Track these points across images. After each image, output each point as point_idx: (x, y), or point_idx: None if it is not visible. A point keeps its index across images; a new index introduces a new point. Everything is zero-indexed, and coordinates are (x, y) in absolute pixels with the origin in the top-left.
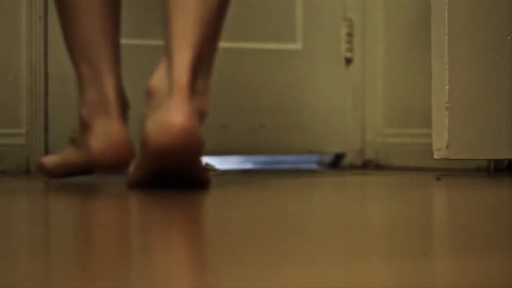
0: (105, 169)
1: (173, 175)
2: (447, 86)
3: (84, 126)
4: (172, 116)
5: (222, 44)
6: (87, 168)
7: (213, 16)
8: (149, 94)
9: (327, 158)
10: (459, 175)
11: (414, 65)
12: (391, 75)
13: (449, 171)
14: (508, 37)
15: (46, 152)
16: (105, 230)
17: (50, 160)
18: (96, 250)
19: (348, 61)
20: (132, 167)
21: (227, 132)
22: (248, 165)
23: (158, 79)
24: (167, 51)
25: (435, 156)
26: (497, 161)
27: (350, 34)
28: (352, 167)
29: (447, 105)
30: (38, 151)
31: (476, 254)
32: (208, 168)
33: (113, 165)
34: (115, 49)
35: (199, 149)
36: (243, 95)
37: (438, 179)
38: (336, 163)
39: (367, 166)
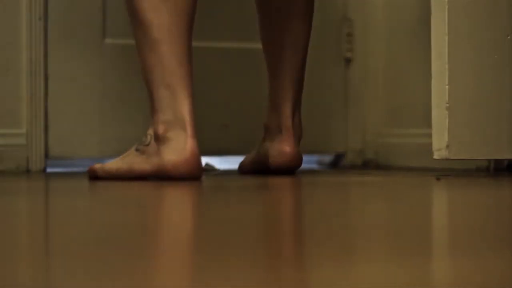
0: (175, 178)
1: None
2: (447, 86)
3: (158, 140)
4: (285, 147)
5: (222, 44)
6: (154, 175)
7: (300, 76)
8: (266, 127)
9: (327, 158)
10: (459, 175)
11: (414, 65)
12: (391, 75)
13: (449, 171)
14: (508, 37)
15: (46, 152)
16: (104, 230)
17: (110, 164)
18: (96, 250)
19: (348, 61)
20: (246, 161)
21: (227, 132)
22: None
23: (270, 120)
24: (274, 102)
25: (435, 156)
26: (497, 161)
27: (350, 34)
28: (352, 167)
29: (447, 105)
30: (38, 151)
31: (476, 254)
32: (208, 168)
33: (183, 176)
34: (190, 76)
35: (300, 165)
36: (243, 95)
37: (438, 179)
38: (336, 163)
39: (367, 166)
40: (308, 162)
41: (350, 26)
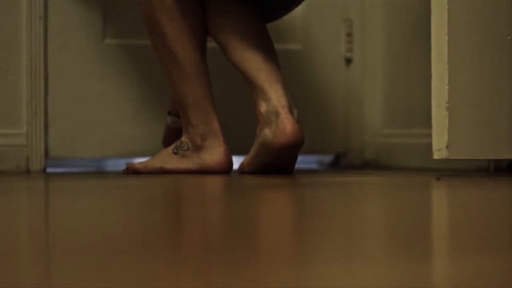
0: (216, 173)
1: (280, 163)
2: (447, 86)
3: (198, 148)
4: (285, 124)
5: None
6: (198, 172)
7: (275, 61)
8: (261, 115)
9: (327, 158)
10: (459, 175)
11: (414, 65)
12: (391, 75)
13: (449, 171)
14: (508, 37)
15: (46, 152)
16: (104, 230)
17: (151, 164)
18: (96, 250)
19: (348, 61)
20: (245, 162)
21: (227, 132)
22: None
23: (262, 107)
24: (260, 89)
25: (435, 156)
26: (497, 161)
27: (350, 34)
28: (352, 167)
29: (447, 105)
30: (38, 151)
31: (476, 254)
32: None
33: (223, 171)
34: (213, 96)
35: (303, 142)
36: (243, 95)
37: (438, 179)
38: (336, 163)
39: (367, 166)
40: (308, 162)
41: (350, 26)
